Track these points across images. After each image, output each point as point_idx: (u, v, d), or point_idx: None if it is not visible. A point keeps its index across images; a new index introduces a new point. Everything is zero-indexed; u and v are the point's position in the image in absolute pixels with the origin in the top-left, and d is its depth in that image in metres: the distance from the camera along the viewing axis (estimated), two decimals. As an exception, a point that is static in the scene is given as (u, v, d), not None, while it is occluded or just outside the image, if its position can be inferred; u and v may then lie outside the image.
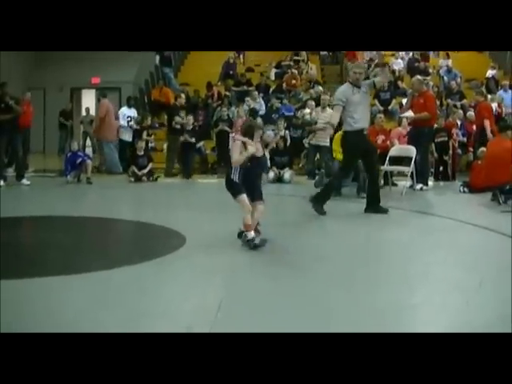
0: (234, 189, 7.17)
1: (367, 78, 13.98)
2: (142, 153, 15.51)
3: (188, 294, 5.41)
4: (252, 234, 7.00)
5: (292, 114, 18.67)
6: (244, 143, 7.14)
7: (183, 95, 19.25)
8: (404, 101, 19.02)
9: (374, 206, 9.74)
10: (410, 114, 14.04)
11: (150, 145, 17.88)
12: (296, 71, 22.13)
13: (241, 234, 7.21)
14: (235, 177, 7.17)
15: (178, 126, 17.17)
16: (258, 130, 7.41)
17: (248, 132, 7.34)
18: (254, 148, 7.17)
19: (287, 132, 17.04)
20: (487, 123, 15.16)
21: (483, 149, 13.34)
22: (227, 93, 21.10)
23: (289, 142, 16.76)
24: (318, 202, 9.54)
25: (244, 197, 7.06)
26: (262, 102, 19.85)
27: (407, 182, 12.93)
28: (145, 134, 17.93)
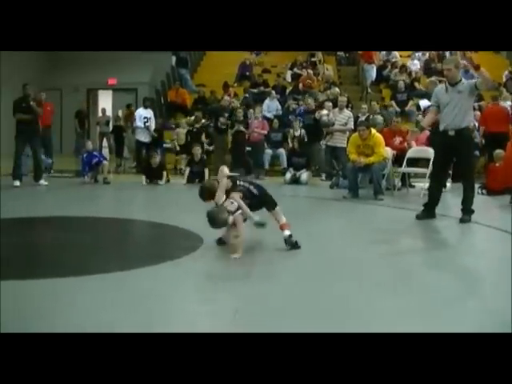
0: (272, 198, 7.35)
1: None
2: (157, 165, 15.42)
3: (205, 296, 5.36)
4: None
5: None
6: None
7: (226, 97, 19.34)
8: (421, 102, 19.02)
9: (465, 211, 9.19)
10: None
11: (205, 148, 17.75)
12: (312, 72, 22.09)
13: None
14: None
15: (224, 127, 17.57)
16: None
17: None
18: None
19: (303, 132, 16.96)
20: (481, 129, 16.50)
21: (500, 151, 13.26)
22: (246, 95, 21.11)
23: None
24: (429, 210, 9.42)
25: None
26: (278, 103, 19.85)
27: (425, 184, 12.85)
28: (203, 136, 17.98)
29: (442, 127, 9.23)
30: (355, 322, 4.57)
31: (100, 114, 23.49)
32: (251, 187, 7.24)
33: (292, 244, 7.08)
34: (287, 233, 7.15)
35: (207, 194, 7.28)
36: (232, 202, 6.87)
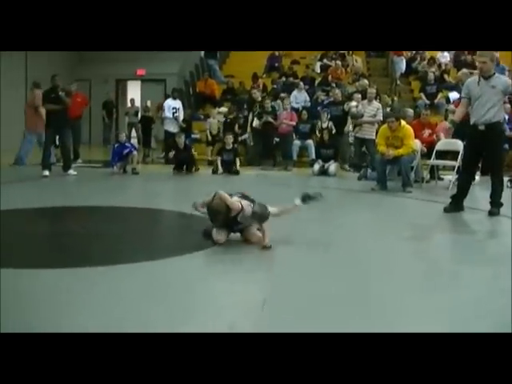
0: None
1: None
2: (182, 146, 15.49)
3: (232, 288, 5.35)
4: None
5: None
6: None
7: (256, 91, 19.35)
8: (450, 94, 18.89)
9: (494, 204, 9.09)
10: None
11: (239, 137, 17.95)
12: (341, 63, 22.02)
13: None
14: None
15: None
16: None
17: None
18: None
19: (331, 123, 16.88)
20: None
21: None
22: (275, 86, 21.13)
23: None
24: (456, 203, 9.32)
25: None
26: (306, 95, 19.81)
27: (453, 177, 12.79)
28: (236, 127, 18.12)
29: (472, 121, 9.01)
30: (380, 317, 4.57)
31: (129, 105, 23.59)
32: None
33: (310, 197, 7.19)
34: (298, 201, 7.19)
35: (222, 213, 6.72)
36: (248, 204, 6.81)
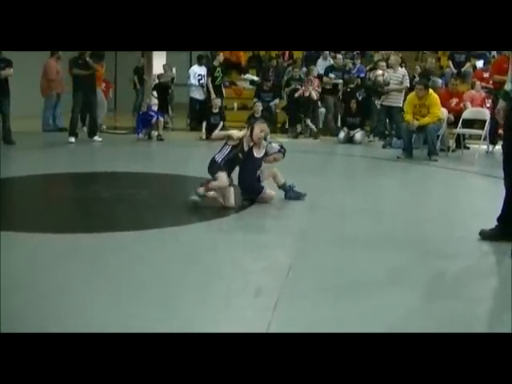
0: (213, 168, 7.21)
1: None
2: (217, 110, 15.49)
3: (258, 253, 5.40)
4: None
5: (364, 75, 18.26)
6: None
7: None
8: (478, 62, 18.70)
9: None
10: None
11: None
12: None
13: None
14: (219, 159, 7.21)
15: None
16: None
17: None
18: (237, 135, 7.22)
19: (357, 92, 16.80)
20: None
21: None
22: (305, 53, 21.04)
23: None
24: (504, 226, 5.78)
25: (223, 175, 7.08)
26: (333, 62, 19.66)
27: (481, 147, 12.78)
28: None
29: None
30: (408, 286, 4.60)
31: (161, 71, 23.32)
32: None
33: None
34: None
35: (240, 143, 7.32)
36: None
